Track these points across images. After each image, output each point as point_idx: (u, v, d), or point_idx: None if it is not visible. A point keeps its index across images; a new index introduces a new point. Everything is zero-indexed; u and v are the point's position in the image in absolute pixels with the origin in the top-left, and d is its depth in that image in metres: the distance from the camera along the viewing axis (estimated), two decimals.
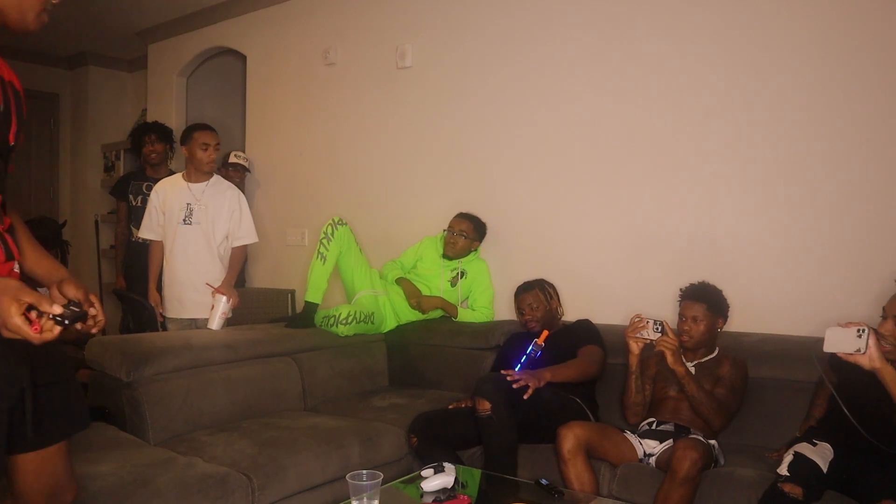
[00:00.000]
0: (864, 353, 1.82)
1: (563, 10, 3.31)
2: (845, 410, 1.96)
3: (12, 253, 1.27)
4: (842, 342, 1.86)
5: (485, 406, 2.38)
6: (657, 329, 2.43)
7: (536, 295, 2.94)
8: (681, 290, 2.60)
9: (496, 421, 2.36)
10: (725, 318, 2.58)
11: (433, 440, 2.54)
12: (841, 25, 2.64)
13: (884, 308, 2.04)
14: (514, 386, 2.39)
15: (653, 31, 3.04)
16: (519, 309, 2.99)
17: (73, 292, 1.19)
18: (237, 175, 4.36)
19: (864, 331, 1.83)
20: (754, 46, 2.81)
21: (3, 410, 1.22)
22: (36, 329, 1.07)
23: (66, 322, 1.11)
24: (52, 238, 3.37)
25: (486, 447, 2.43)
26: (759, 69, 2.79)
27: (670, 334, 2.41)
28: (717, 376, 2.48)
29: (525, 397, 2.38)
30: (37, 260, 1.35)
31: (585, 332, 2.84)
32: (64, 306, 1.13)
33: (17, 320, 1.06)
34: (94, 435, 2.23)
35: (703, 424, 2.40)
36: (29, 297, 1.07)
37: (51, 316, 1.09)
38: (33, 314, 1.07)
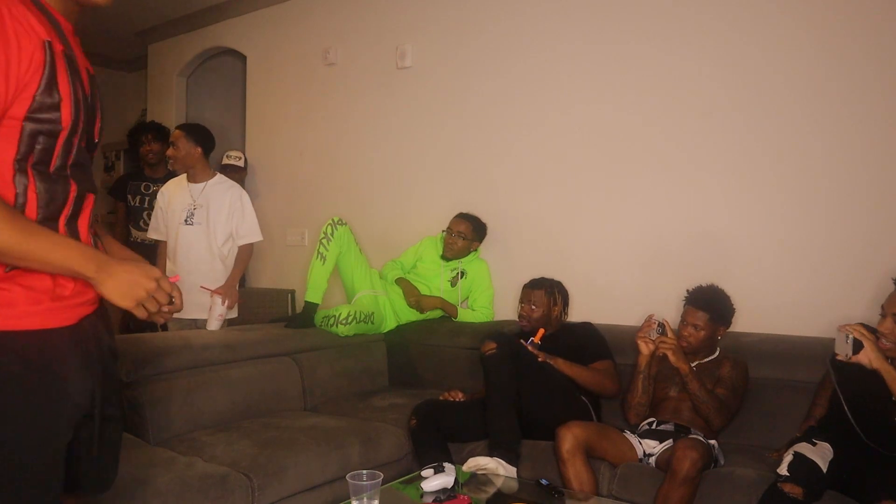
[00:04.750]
0: (849, 359, 1.89)
1: (565, 13, 3.31)
2: (848, 415, 1.97)
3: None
4: (839, 345, 1.94)
5: (490, 346, 2.51)
6: (659, 330, 2.44)
7: (541, 296, 2.86)
8: (687, 291, 2.58)
9: (497, 357, 2.46)
10: (728, 325, 2.56)
11: (432, 425, 2.55)
12: (838, 26, 2.64)
13: (883, 306, 2.05)
14: (529, 347, 2.60)
15: (653, 35, 3.05)
16: (521, 300, 2.93)
17: None
18: (233, 176, 4.35)
19: (848, 336, 1.90)
20: (752, 49, 2.81)
21: (68, 423, 1.14)
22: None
23: (172, 303, 1.20)
24: None
25: (486, 387, 2.53)
26: (759, 71, 2.80)
27: (669, 334, 2.42)
28: (718, 377, 2.47)
29: (540, 360, 2.55)
30: (119, 253, 1.37)
31: (595, 344, 2.77)
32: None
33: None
34: None
35: (704, 424, 2.40)
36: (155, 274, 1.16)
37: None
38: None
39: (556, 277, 3.02)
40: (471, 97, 3.62)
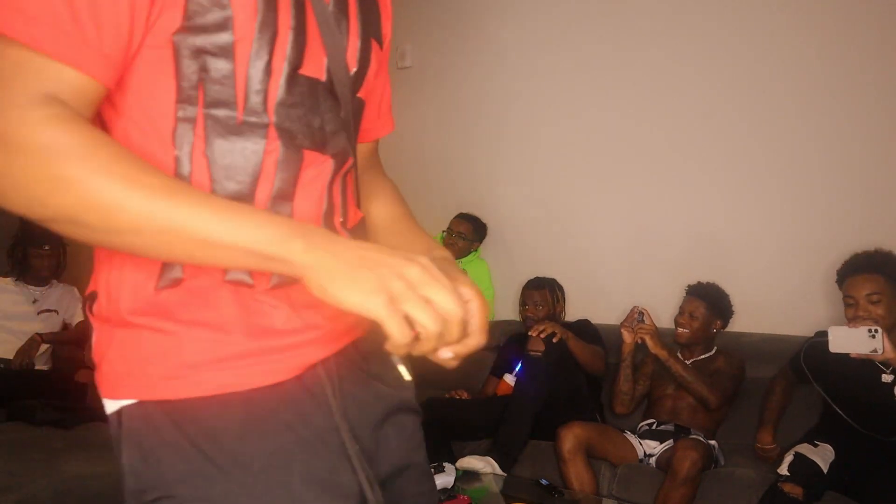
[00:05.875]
0: (881, 353, 1.83)
1: (565, 13, 3.31)
2: (837, 409, 1.97)
3: None
4: (853, 343, 1.85)
5: (538, 347, 2.54)
6: (639, 318, 2.52)
7: (545, 295, 2.93)
8: (689, 285, 2.65)
9: (541, 363, 2.48)
10: (725, 321, 2.60)
11: (435, 422, 2.55)
12: (834, 27, 2.65)
13: (851, 296, 2.10)
14: (535, 334, 2.59)
15: (652, 37, 3.05)
16: (523, 302, 2.98)
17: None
18: None
19: (877, 331, 1.83)
20: (751, 52, 2.82)
21: None
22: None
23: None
24: (49, 235, 3.33)
25: (517, 382, 2.56)
26: (758, 73, 2.80)
27: (647, 321, 2.51)
28: (712, 370, 2.50)
29: (555, 340, 2.53)
30: (391, 237, 0.87)
31: (591, 335, 2.84)
32: None
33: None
34: (94, 435, 2.23)
35: (703, 424, 2.41)
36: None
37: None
38: None
39: (557, 277, 3.04)
40: (470, 97, 3.62)
